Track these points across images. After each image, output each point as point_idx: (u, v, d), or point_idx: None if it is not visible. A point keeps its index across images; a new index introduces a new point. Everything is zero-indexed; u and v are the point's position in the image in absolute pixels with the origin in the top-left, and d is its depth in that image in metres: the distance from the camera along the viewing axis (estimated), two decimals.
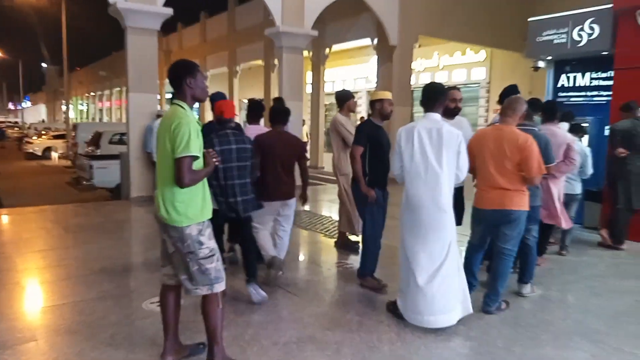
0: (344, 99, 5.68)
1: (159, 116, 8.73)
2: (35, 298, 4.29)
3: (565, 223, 5.13)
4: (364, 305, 4.05)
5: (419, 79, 18.58)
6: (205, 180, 2.85)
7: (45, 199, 10.32)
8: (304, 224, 7.23)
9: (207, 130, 4.03)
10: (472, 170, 3.99)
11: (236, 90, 21.29)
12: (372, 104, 4.48)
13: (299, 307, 3.98)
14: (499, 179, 3.78)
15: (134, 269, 5.25)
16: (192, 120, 2.69)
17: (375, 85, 13.81)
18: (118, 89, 34.41)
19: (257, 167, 4.27)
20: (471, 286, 4.15)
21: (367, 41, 14.79)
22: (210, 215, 2.85)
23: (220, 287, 2.83)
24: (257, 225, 4.41)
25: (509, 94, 4.42)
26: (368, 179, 4.29)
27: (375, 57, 13.67)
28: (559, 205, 5.03)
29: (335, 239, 6.09)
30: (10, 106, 77.28)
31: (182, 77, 2.77)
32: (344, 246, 5.83)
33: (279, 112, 4.59)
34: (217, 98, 4.61)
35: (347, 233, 5.85)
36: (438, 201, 3.49)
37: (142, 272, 5.05)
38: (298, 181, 4.67)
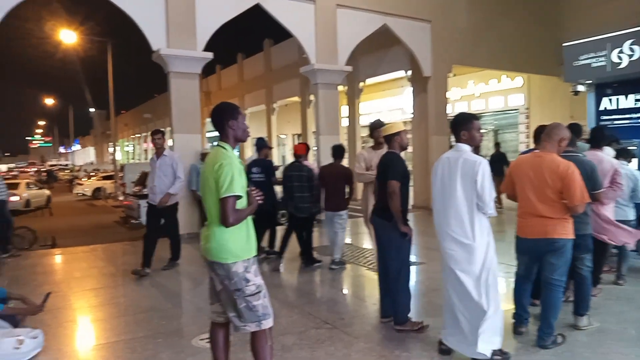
0: (371, 129, 5.93)
1: (202, 155, 9.03)
2: (90, 335, 4.44)
3: (634, 235, 4.86)
4: (413, 340, 3.98)
5: (455, 108, 18.52)
6: (249, 218, 2.92)
7: (95, 238, 10.74)
8: (347, 257, 7.22)
9: (255, 164, 7.00)
10: (513, 197, 4.03)
11: (274, 126, 21.79)
12: (390, 138, 4.28)
13: (345, 343, 3.96)
14: (539, 207, 3.71)
15: (182, 305, 5.37)
16: (234, 160, 2.80)
17: (411, 115, 13.86)
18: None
19: (318, 187, 6.48)
20: (522, 319, 4.04)
21: (400, 73, 14.97)
22: (255, 253, 2.92)
23: (268, 323, 2.86)
24: (325, 229, 6.94)
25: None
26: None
27: (410, 88, 13.79)
28: (613, 226, 4.79)
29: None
30: (61, 150, 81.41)
31: (224, 119, 2.90)
32: None
33: (335, 150, 6.62)
34: (260, 144, 7.13)
35: None
36: (454, 232, 3.47)
37: (191, 309, 5.16)
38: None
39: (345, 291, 5.78)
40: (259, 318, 2.82)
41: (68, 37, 20.81)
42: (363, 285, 6.07)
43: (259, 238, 6.97)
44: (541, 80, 15.79)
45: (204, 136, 27.68)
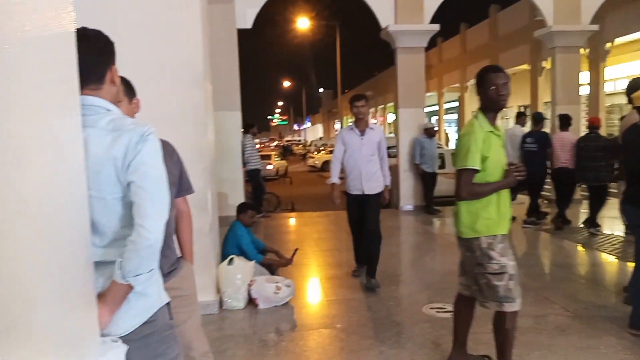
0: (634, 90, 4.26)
1: (426, 129, 9.08)
2: (329, 290, 4.96)
3: None
4: None
5: None
6: (502, 193, 2.68)
7: (326, 206, 11.84)
8: (594, 243, 6.46)
9: (529, 135, 7.50)
10: None
11: None
12: None
13: (589, 334, 3.56)
14: None
15: (408, 274, 5.58)
16: (477, 131, 2.61)
17: None
18: (382, 106, 37.11)
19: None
20: None
21: None
22: (505, 231, 2.69)
23: (511, 307, 2.64)
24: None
25: None
26: None
27: None
28: None
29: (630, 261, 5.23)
30: (295, 127, 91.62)
31: (479, 85, 2.70)
32: None
33: None
34: (539, 117, 7.59)
35: None
36: None
37: (416, 278, 5.31)
38: None
39: (588, 278, 5.19)
40: (499, 299, 2.63)
41: (303, 23, 23.00)
42: (605, 273, 5.35)
43: (534, 207, 7.63)
44: None
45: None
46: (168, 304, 1.69)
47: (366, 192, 4.88)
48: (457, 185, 2.65)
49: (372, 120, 5.03)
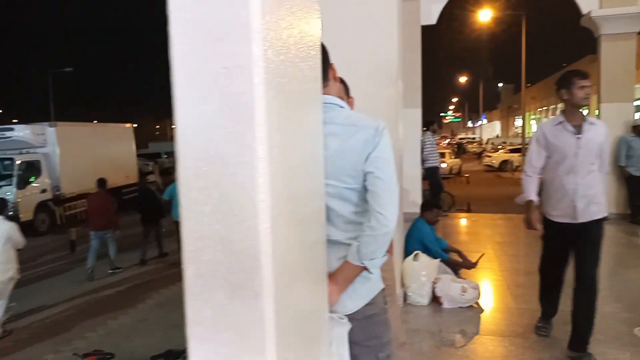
0: None
1: (635, 127, 7.92)
2: (520, 298, 4.63)
3: None
4: None
5: None
6: None
7: (505, 208, 11.13)
8: None
9: None
10: None
11: None
12: None
13: None
14: None
15: (610, 289, 4.93)
16: None
17: None
18: None
19: None
20: None
21: None
22: None
23: None
24: None
25: None
26: None
27: None
28: None
29: None
30: (469, 124, 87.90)
31: None
32: None
33: None
34: None
35: None
36: None
37: (621, 294, 4.69)
38: None
39: None
40: None
41: (485, 15, 21.83)
42: None
43: None
44: None
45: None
46: (383, 289, 1.78)
47: (582, 220, 3.29)
48: None
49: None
